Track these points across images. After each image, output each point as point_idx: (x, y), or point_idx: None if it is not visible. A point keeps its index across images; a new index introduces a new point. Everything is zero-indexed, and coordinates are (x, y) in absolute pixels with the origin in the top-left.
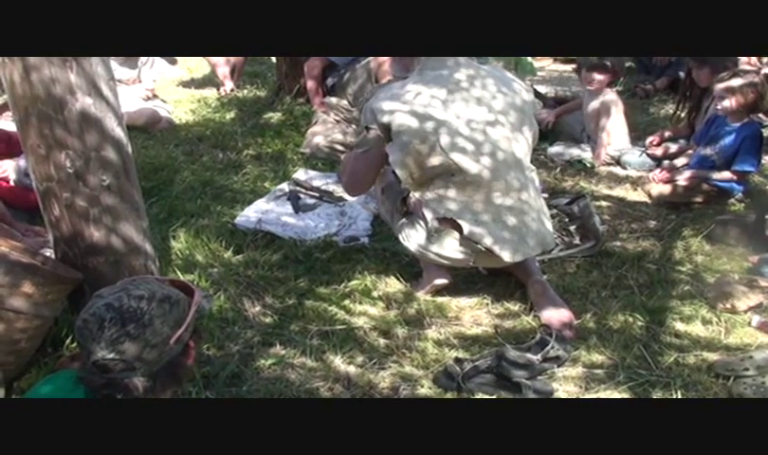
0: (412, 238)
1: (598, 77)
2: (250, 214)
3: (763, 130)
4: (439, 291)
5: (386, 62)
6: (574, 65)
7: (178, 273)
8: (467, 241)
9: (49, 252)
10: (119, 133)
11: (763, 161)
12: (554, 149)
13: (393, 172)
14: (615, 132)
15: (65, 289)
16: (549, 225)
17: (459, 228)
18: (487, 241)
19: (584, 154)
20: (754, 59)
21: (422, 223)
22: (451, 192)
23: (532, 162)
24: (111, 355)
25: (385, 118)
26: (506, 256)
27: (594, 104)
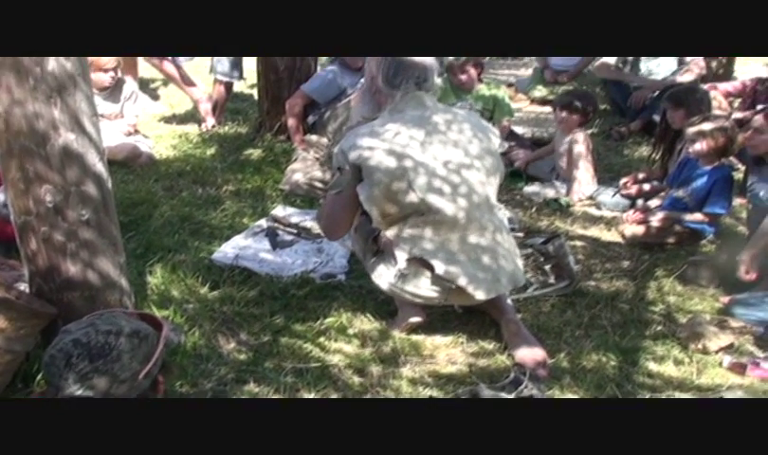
0: (384, 276)
1: (567, 116)
2: (228, 250)
3: (734, 173)
4: (414, 329)
5: None
6: (551, 107)
7: (153, 308)
8: (439, 279)
9: (24, 286)
10: (100, 168)
11: (734, 203)
12: (530, 188)
13: (363, 212)
14: (581, 172)
15: (39, 324)
16: (520, 264)
17: (430, 267)
18: (462, 280)
19: (560, 192)
20: (725, 103)
21: (393, 261)
22: (427, 232)
23: (509, 202)
24: (80, 392)
25: (354, 156)
26: (480, 294)
27: (565, 144)
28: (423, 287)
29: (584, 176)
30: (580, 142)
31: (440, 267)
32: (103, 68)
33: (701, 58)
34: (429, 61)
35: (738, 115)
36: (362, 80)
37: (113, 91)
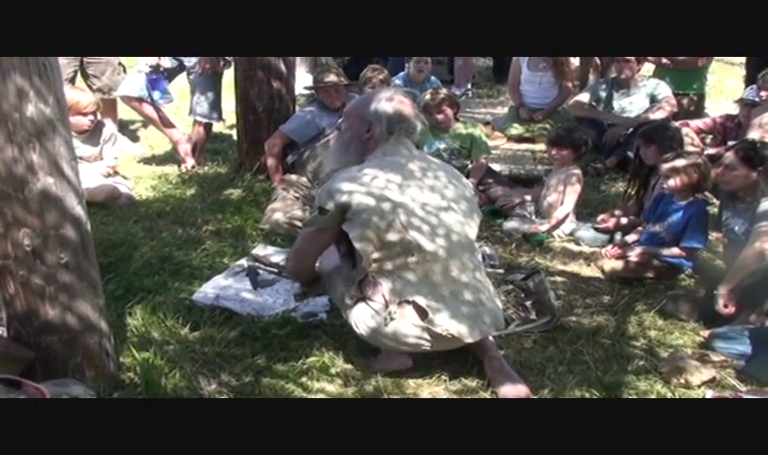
0: (365, 323)
1: (557, 152)
2: (208, 290)
3: (709, 208)
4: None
5: None
6: (527, 145)
7: (133, 350)
8: (425, 327)
9: (1, 330)
10: (79, 211)
11: (710, 238)
12: (509, 224)
13: (342, 256)
14: (566, 208)
15: (17, 368)
16: (500, 304)
17: (419, 312)
18: (445, 315)
19: (539, 228)
20: (697, 140)
21: (376, 307)
22: (411, 266)
23: (488, 239)
24: None
25: (343, 199)
26: (465, 334)
27: (557, 178)
28: (409, 334)
29: (568, 209)
30: (577, 177)
31: (422, 302)
32: (82, 112)
33: (671, 95)
34: (416, 111)
35: (710, 151)
36: (340, 120)
37: (92, 134)
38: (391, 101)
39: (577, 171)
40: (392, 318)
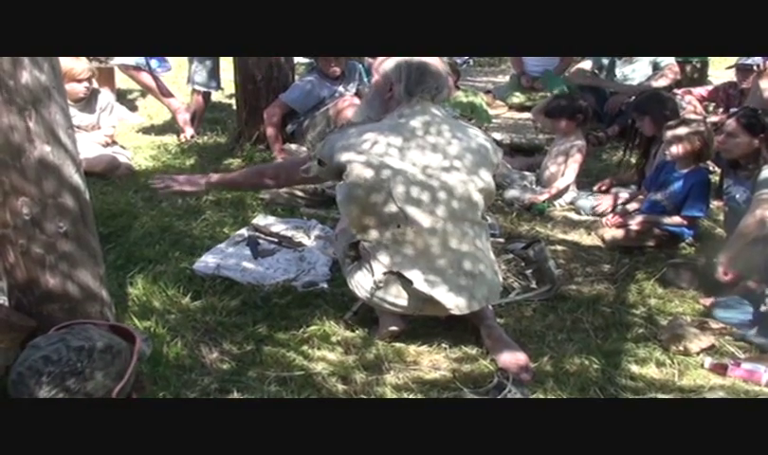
0: (362, 285)
1: (555, 122)
2: (209, 260)
3: (711, 176)
4: (397, 336)
5: (345, 108)
6: (528, 113)
7: (135, 320)
8: (414, 290)
9: (3, 299)
10: (77, 180)
11: (711, 206)
12: (510, 193)
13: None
14: (567, 177)
15: (19, 337)
16: (500, 278)
17: (407, 279)
18: (438, 293)
19: (539, 198)
20: (699, 107)
21: (371, 270)
22: (409, 236)
23: (489, 208)
24: None
25: (342, 159)
26: (463, 306)
27: (560, 146)
28: (399, 297)
29: (568, 181)
30: (578, 148)
31: (418, 278)
32: (77, 78)
33: (675, 63)
34: (443, 69)
35: (713, 118)
36: (340, 88)
37: (88, 102)
38: (414, 60)
39: (580, 141)
40: (383, 285)
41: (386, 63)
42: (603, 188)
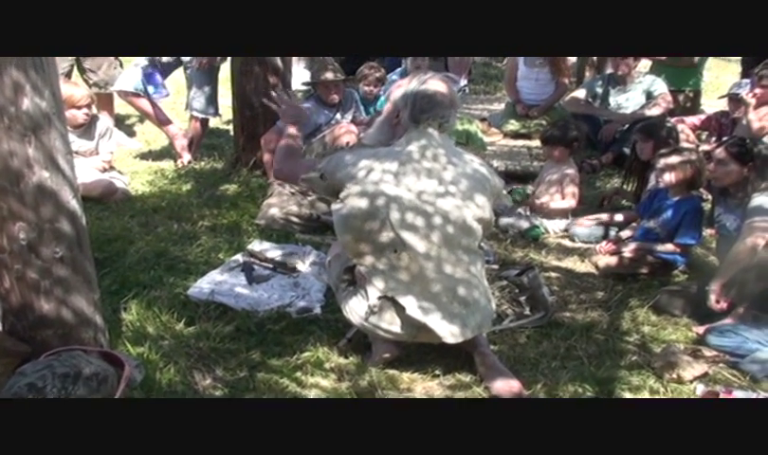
0: (356, 311)
1: (550, 149)
2: (203, 285)
3: (703, 204)
4: (391, 362)
5: (342, 135)
6: (523, 141)
7: (128, 345)
8: (408, 317)
9: None
10: (75, 205)
11: (704, 234)
12: (504, 220)
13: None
14: (565, 203)
15: (12, 362)
16: (493, 305)
17: (401, 306)
18: (432, 320)
19: (534, 223)
20: (692, 136)
21: (365, 296)
22: (404, 260)
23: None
24: None
25: (340, 182)
26: (457, 333)
27: (552, 174)
28: (392, 324)
29: (564, 207)
30: (570, 177)
31: (412, 304)
32: (77, 105)
33: (667, 92)
34: (453, 98)
35: (705, 147)
36: (337, 115)
37: (87, 128)
38: (421, 88)
39: (571, 170)
40: (378, 310)
41: (397, 91)
42: (606, 202)
